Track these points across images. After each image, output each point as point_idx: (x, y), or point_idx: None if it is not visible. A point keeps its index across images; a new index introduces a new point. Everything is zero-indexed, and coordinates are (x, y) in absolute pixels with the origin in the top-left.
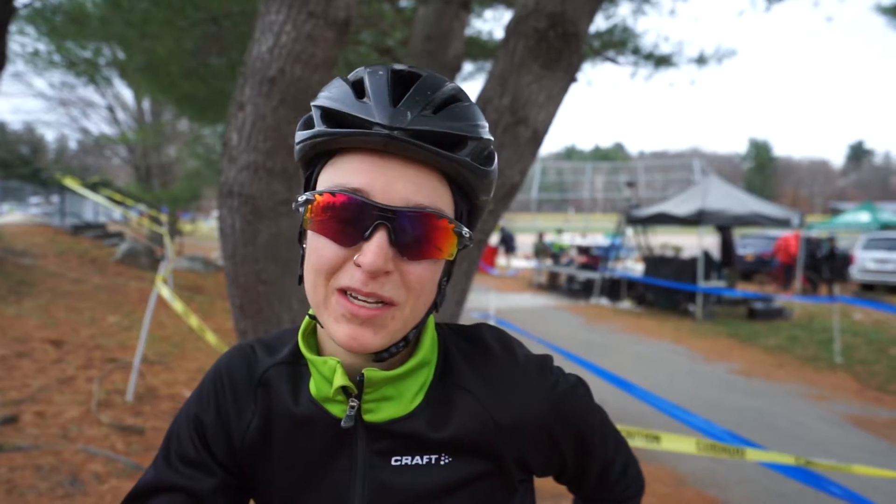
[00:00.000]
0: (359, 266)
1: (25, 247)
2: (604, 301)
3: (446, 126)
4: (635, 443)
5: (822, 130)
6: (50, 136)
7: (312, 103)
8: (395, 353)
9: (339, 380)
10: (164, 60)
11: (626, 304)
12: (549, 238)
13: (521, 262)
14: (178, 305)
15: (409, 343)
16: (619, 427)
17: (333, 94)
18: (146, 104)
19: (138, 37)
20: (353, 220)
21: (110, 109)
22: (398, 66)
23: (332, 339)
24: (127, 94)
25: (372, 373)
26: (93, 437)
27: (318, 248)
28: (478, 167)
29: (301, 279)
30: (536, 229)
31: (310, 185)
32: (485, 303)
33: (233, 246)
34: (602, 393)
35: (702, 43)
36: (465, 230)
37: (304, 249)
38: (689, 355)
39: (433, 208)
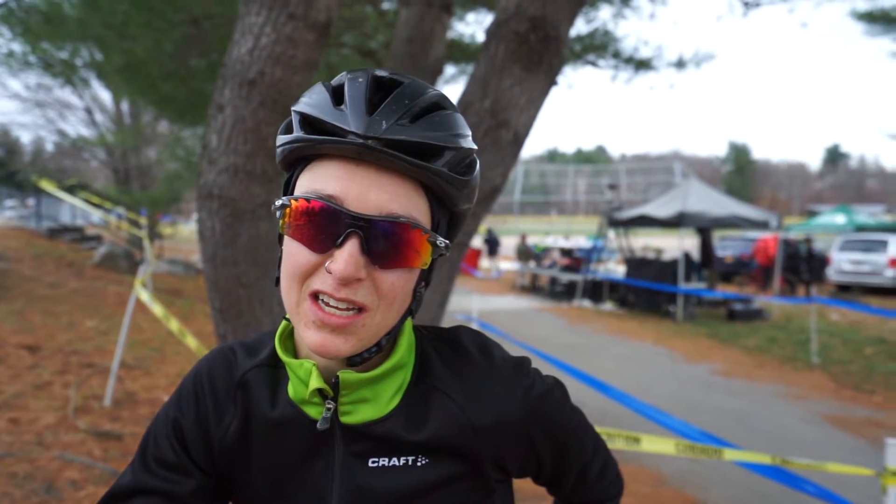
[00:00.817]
0: (330, 273)
1: (0, 250)
2: (586, 303)
3: (422, 136)
4: (616, 444)
5: (800, 134)
6: (26, 137)
7: (293, 108)
8: (367, 359)
9: (315, 382)
10: (143, 62)
11: (608, 305)
12: (532, 240)
13: (504, 264)
14: (157, 309)
15: (381, 348)
16: (599, 429)
17: (313, 100)
18: (125, 106)
19: (116, 38)
20: (326, 226)
21: (88, 111)
22: (380, 72)
23: (304, 343)
24: (105, 96)
25: (347, 375)
26: (69, 444)
27: (293, 253)
28: (454, 177)
29: (278, 281)
30: (519, 232)
31: (289, 188)
32: (467, 305)
33: (212, 249)
34: (581, 395)
35: (681, 47)
36: (441, 240)
37: (281, 252)
38: (671, 356)
39: (407, 217)
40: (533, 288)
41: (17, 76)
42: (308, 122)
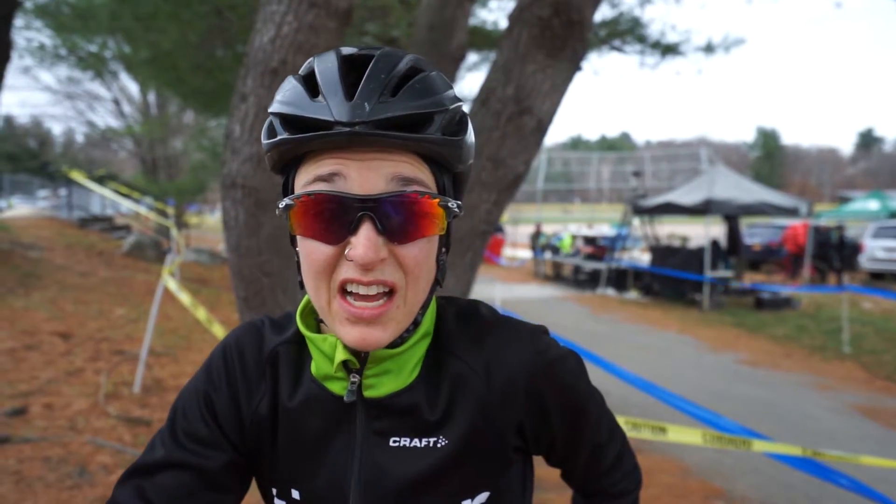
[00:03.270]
0: (351, 260)
1: (33, 240)
2: (610, 291)
3: (409, 107)
4: (641, 434)
5: (831, 118)
6: (57, 129)
7: (269, 110)
8: (407, 338)
9: (341, 354)
10: (169, 54)
11: (632, 294)
12: (549, 230)
13: (526, 252)
14: (185, 298)
15: (418, 324)
16: (623, 418)
17: (287, 97)
18: (151, 97)
19: (144, 30)
20: (335, 216)
21: (116, 102)
22: (347, 51)
23: (342, 341)
24: (132, 87)
25: (376, 350)
26: (100, 429)
27: (310, 251)
28: (449, 139)
29: (303, 285)
30: (538, 220)
31: (287, 190)
32: (490, 293)
33: (236, 238)
34: (605, 384)
35: (708, 31)
36: (452, 202)
37: (297, 255)
38: (696, 345)
39: (412, 189)
40: (556, 276)
41: (49, 69)
42: (289, 121)
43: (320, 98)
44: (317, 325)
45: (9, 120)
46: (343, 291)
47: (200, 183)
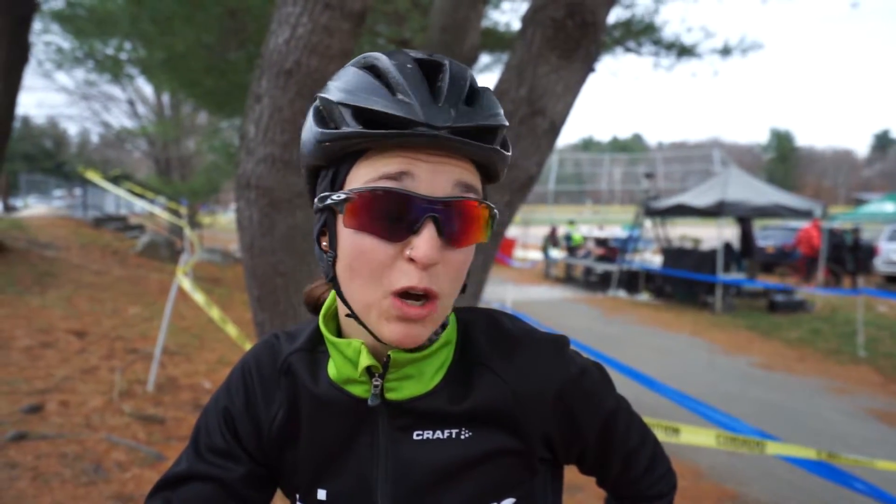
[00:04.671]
0: (411, 261)
1: (49, 239)
2: (621, 293)
3: (485, 117)
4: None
5: (846, 119)
6: (73, 129)
7: (335, 100)
8: (435, 340)
9: (365, 360)
10: (184, 56)
11: (644, 296)
12: (564, 230)
13: (539, 254)
14: (199, 297)
15: (444, 328)
16: None
17: (361, 89)
18: (165, 98)
19: (159, 33)
20: (400, 215)
21: (131, 103)
22: (417, 55)
23: (379, 337)
24: (147, 89)
25: (398, 354)
26: (115, 427)
27: (366, 249)
28: (504, 154)
29: (332, 281)
30: (552, 222)
31: (336, 183)
32: (502, 294)
33: (250, 238)
34: (617, 385)
35: (722, 31)
36: (495, 209)
37: (331, 252)
38: (708, 348)
39: (471, 195)
40: (567, 278)
41: (67, 72)
42: (362, 114)
43: (402, 96)
44: (337, 329)
45: (26, 120)
46: (396, 294)
47: (213, 183)
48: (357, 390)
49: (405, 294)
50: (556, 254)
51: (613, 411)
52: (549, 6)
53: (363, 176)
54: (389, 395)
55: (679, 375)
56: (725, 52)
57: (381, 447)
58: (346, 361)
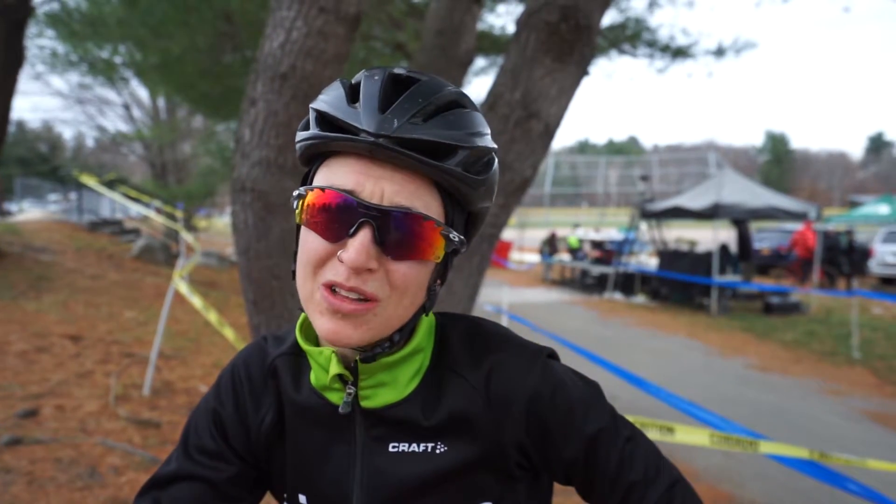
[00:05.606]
0: (342, 262)
1: (44, 243)
2: (617, 296)
3: (434, 134)
4: (649, 434)
5: (841, 122)
6: (68, 133)
7: (311, 105)
8: (380, 354)
9: (335, 368)
10: (178, 59)
11: (640, 298)
12: (564, 232)
13: (535, 256)
14: (196, 301)
15: (394, 344)
16: (632, 417)
17: (329, 98)
18: (161, 101)
19: (153, 37)
20: (339, 216)
21: (126, 107)
22: (398, 70)
23: (318, 333)
24: (142, 92)
25: (365, 361)
26: (110, 431)
27: (307, 243)
28: (468, 176)
29: (294, 275)
30: (549, 224)
31: (307, 181)
32: (498, 297)
33: (246, 241)
34: (613, 388)
35: (717, 34)
36: (455, 234)
37: (295, 247)
38: (704, 350)
39: (414, 210)
40: (564, 280)
41: (61, 76)
42: (324, 119)
43: (357, 105)
44: (316, 337)
45: (20, 124)
46: (327, 286)
47: (209, 187)
48: (335, 397)
49: (337, 290)
50: (563, 257)
51: (600, 431)
52: (544, 10)
53: (320, 178)
54: (364, 403)
55: (675, 377)
56: (719, 52)
57: (357, 457)
58: (321, 369)
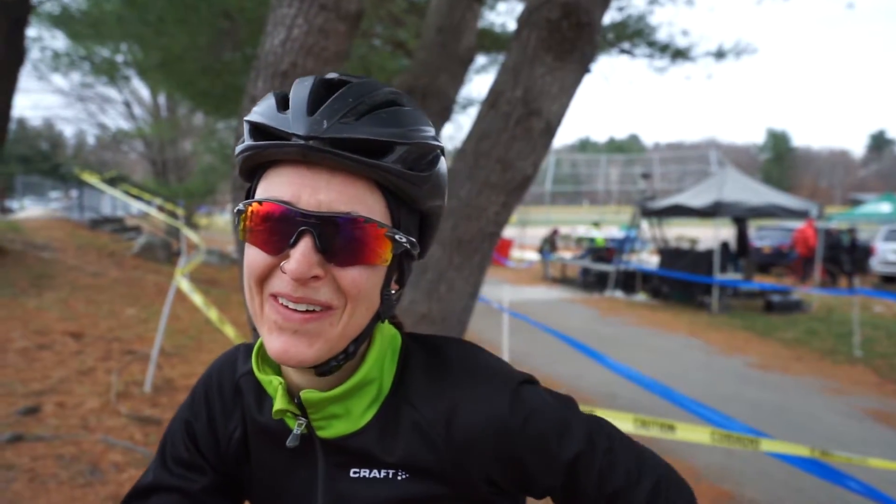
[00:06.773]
0: (285, 273)
1: (46, 241)
2: (618, 294)
3: (368, 132)
4: (650, 432)
5: (843, 120)
6: (69, 131)
7: (244, 118)
8: (336, 367)
9: (280, 403)
10: (179, 58)
11: (640, 296)
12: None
13: (535, 254)
14: (198, 298)
15: (350, 356)
16: (632, 416)
17: (261, 108)
18: (162, 99)
19: (154, 35)
20: (279, 228)
21: (127, 105)
22: (330, 75)
23: (268, 352)
24: (143, 90)
25: (309, 394)
26: (112, 428)
27: (249, 257)
28: (408, 173)
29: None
30: (550, 222)
31: (249, 196)
32: (498, 295)
33: None
34: (613, 386)
35: (718, 32)
36: (401, 236)
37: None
38: (705, 348)
39: (360, 214)
40: (564, 279)
41: (64, 75)
42: (256, 129)
43: (286, 111)
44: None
45: (21, 122)
46: (274, 297)
47: (210, 185)
48: (293, 423)
49: (284, 302)
50: (566, 255)
51: (578, 455)
52: (545, 7)
53: (260, 191)
54: (320, 433)
55: (676, 376)
56: (719, 55)
57: (319, 482)
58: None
